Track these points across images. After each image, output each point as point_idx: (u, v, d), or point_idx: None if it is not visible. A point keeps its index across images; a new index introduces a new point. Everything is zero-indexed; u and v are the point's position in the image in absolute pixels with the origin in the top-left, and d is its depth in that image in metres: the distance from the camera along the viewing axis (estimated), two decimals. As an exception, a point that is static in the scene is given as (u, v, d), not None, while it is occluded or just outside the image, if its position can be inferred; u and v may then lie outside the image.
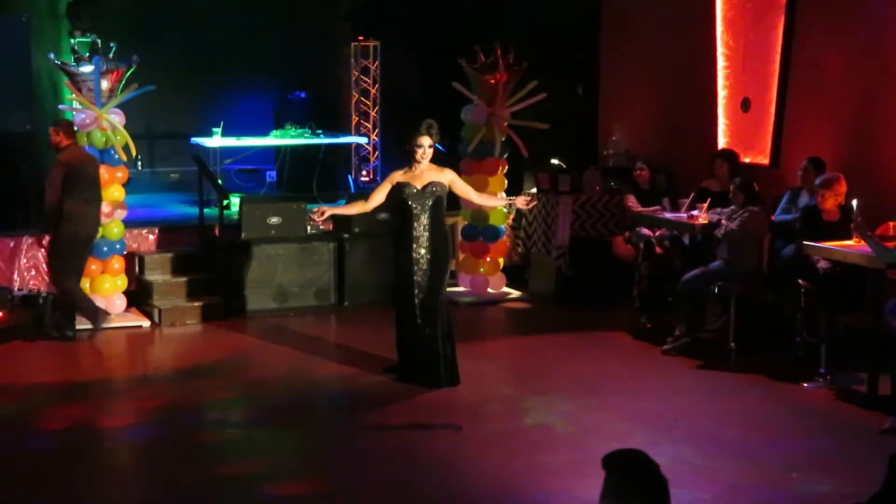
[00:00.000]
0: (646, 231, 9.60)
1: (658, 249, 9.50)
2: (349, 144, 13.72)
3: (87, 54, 9.57)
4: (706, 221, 8.67)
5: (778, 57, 9.72)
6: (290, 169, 12.64)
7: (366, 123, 13.99)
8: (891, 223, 7.82)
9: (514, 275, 11.29)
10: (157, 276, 10.14)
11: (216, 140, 12.00)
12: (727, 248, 8.48)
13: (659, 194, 9.77)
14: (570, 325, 9.65)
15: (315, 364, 8.54)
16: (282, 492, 5.90)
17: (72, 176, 8.91)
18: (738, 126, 10.25)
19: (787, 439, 6.69)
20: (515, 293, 11.00)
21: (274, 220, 10.24)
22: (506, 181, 10.92)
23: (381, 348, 8.37)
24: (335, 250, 10.41)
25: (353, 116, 14.02)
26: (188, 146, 12.34)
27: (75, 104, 9.54)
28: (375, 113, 13.94)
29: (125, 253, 9.81)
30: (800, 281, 8.00)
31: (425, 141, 7.66)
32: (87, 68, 9.39)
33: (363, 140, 13.76)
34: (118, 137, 9.45)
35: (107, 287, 9.57)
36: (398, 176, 7.78)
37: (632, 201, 9.92)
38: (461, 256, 10.98)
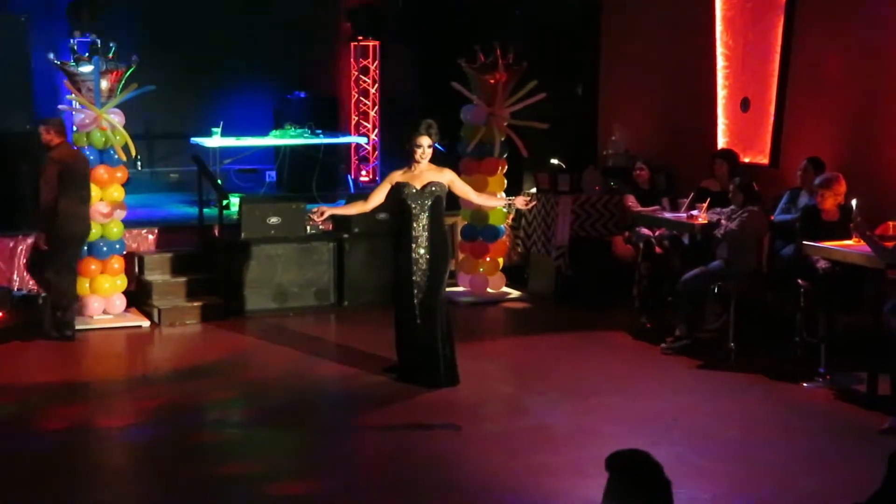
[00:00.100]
0: (645, 231, 9.61)
1: (658, 249, 9.50)
2: (349, 144, 13.73)
3: (87, 54, 9.56)
4: (706, 221, 8.67)
5: (777, 57, 9.72)
6: (290, 169, 12.64)
7: (365, 123, 13.99)
8: (890, 223, 7.83)
9: (513, 275, 11.29)
10: (157, 276, 10.14)
11: (216, 140, 12.00)
12: (727, 247, 8.48)
13: (658, 194, 9.77)
14: (569, 325, 9.65)
15: (315, 364, 8.54)
16: (282, 492, 5.90)
17: (65, 174, 8.93)
18: (738, 126, 10.25)
19: (786, 439, 6.69)
20: (515, 293, 11.00)
21: (273, 220, 10.24)
22: (505, 181, 10.92)
23: (380, 348, 8.37)
24: (335, 250, 10.41)
25: (353, 116, 14.03)
26: (188, 146, 12.34)
27: (75, 104, 9.54)
28: (375, 113, 13.94)
29: (125, 253, 9.81)
30: (799, 281, 8.01)
31: (424, 141, 7.66)
32: (86, 68, 9.39)
33: (362, 140, 13.77)
34: (118, 137, 9.45)
35: (106, 287, 9.57)
36: (397, 176, 7.78)
37: (631, 201, 9.92)
38: (461, 256, 10.98)
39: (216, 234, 10.43)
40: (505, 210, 10.69)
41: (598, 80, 12.13)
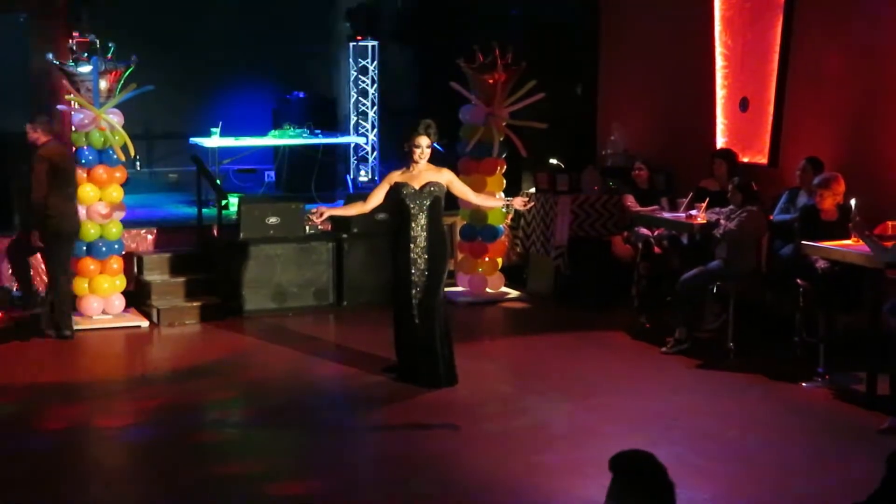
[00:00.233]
0: (644, 231, 9.61)
1: (657, 249, 9.50)
2: (347, 144, 13.74)
3: (86, 54, 9.56)
4: (705, 221, 8.67)
5: (776, 56, 9.72)
6: (289, 169, 12.66)
7: (364, 123, 14.00)
8: (889, 223, 7.82)
9: (512, 275, 11.29)
10: (156, 276, 10.14)
11: (215, 140, 12.01)
12: (726, 247, 8.48)
13: (657, 194, 9.77)
14: (568, 325, 9.64)
15: (314, 364, 8.54)
16: (281, 491, 5.90)
17: (53, 171, 8.95)
18: (737, 126, 10.25)
19: (785, 439, 6.69)
20: (514, 293, 11.00)
21: (272, 220, 10.24)
22: (504, 181, 10.92)
23: (379, 348, 8.37)
24: (334, 250, 10.41)
25: (352, 116, 14.03)
26: (187, 146, 12.35)
27: (74, 104, 9.54)
28: (374, 113, 13.95)
29: (124, 253, 9.81)
30: (798, 280, 8.01)
31: (423, 141, 7.66)
32: (85, 68, 9.39)
33: (361, 140, 13.78)
34: (116, 138, 9.45)
35: (105, 287, 9.57)
36: (396, 176, 7.78)
37: (630, 201, 9.92)
38: (460, 256, 10.98)
39: (215, 234, 10.44)
40: (504, 210, 10.68)
41: (597, 79, 12.13)
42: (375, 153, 13.94)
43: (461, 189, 7.98)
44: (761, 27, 9.91)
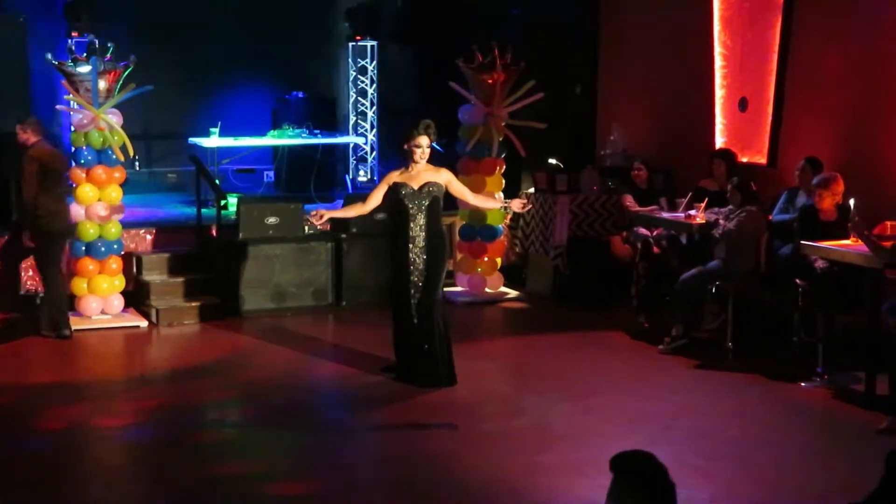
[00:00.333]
0: (643, 231, 9.61)
1: (656, 249, 9.50)
2: (347, 144, 13.74)
3: (85, 54, 9.56)
4: (704, 221, 8.67)
5: (775, 56, 9.72)
6: (288, 169, 12.66)
7: (363, 123, 14.00)
8: (888, 222, 7.82)
9: (511, 274, 11.29)
10: (155, 276, 10.14)
11: (214, 140, 12.00)
12: (725, 247, 8.49)
13: (656, 194, 9.78)
14: (567, 325, 9.65)
15: (313, 364, 8.54)
16: (280, 491, 5.90)
17: (43, 171, 8.96)
18: (736, 126, 10.25)
19: (784, 439, 6.70)
20: (513, 293, 11.00)
21: (271, 220, 10.24)
22: (503, 181, 10.92)
23: (378, 348, 8.37)
24: (333, 250, 10.41)
25: (351, 116, 14.03)
26: (186, 146, 12.35)
27: (73, 104, 9.54)
28: (373, 113, 13.95)
29: (123, 253, 9.80)
30: (797, 280, 8.01)
31: (424, 141, 7.66)
32: (84, 68, 9.39)
33: (361, 140, 13.77)
34: (115, 138, 9.45)
35: (104, 287, 9.57)
36: (395, 176, 7.78)
37: (629, 201, 9.93)
38: (459, 256, 10.98)
39: (214, 234, 10.44)
40: (503, 211, 10.69)
41: (597, 79, 12.13)
42: (374, 153, 13.94)
43: (459, 189, 7.98)
44: (760, 27, 9.91)
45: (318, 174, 12.38)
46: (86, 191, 9.45)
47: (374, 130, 13.94)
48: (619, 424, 6.91)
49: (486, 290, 10.85)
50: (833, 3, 9.31)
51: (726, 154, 9.69)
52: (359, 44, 13.88)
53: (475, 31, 11.47)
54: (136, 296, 10.03)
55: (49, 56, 9.62)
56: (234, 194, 11.22)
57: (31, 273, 9.77)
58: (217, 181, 10.95)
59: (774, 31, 9.73)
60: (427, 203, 7.67)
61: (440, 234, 7.78)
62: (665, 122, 11.16)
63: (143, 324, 9.64)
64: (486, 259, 10.84)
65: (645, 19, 11.36)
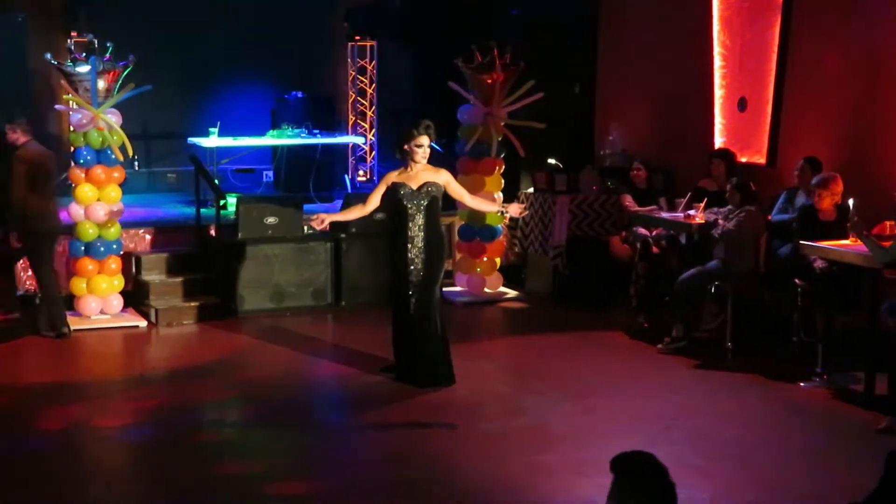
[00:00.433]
0: (642, 231, 9.61)
1: (655, 249, 9.51)
2: (346, 144, 13.73)
3: (84, 54, 9.56)
4: (703, 221, 8.67)
5: (774, 56, 9.72)
6: (287, 169, 12.65)
7: (362, 123, 13.99)
8: (887, 222, 7.81)
9: (510, 274, 11.29)
10: (154, 276, 10.14)
11: (213, 140, 12.00)
12: (724, 247, 8.49)
13: (656, 194, 9.78)
14: (567, 325, 9.65)
15: (312, 364, 8.54)
16: (280, 491, 5.90)
17: (32, 171, 8.96)
18: (735, 125, 10.26)
19: (783, 439, 6.70)
20: (512, 293, 11.00)
21: (271, 220, 10.24)
22: (503, 181, 10.92)
23: (377, 348, 8.37)
24: (332, 250, 10.41)
25: (350, 116, 14.03)
26: (185, 146, 12.34)
27: (72, 104, 9.53)
28: (372, 113, 13.94)
29: (122, 253, 9.80)
30: (796, 280, 8.02)
31: (425, 140, 7.67)
32: (83, 68, 9.39)
33: (360, 140, 13.77)
34: (115, 137, 9.45)
35: (103, 287, 9.57)
36: (393, 176, 7.78)
37: (628, 201, 9.93)
38: (458, 256, 10.98)
39: (213, 234, 10.43)
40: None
41: (596, 79, 12.14)
42: (374, 153, 13.94)
43: (457, 191, 7.96)
44: (760, 27, 9.92)
45: (317, 174, 12.38)
46: (85, 191, 9.45)
47: (374, 130, 13.93)
48: (619, 424, 6.92)
49: (486, 290, 10.85)
50: (832, 2, 9.31)
51: (725, 154, 9.69)
52: (358, 44, 13.87)
53: (474, 31, 11.47)
54: (135, 296, 10.03)
55: (48, 56, 9.62)
56: (234, 194, 11.22)
57: (29, 273, 9.77)
58: (216, 181, 10.96)
59: (774, 31, 9.74)
60: (426, 203, 7.67)
61: (439, 234, 7.78)
62: (664, 122, 11.16)
63: (143, 324, 9.64)
64: (485, 259, 10.84)
65: (644, 19, 11.36)
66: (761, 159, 9.90)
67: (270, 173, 13.14)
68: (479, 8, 12.31)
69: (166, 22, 12.85)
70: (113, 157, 9.49)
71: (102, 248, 9.55)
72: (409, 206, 7.66)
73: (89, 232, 9.49)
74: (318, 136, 12.62)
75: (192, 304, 9.87)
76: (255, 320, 9.85)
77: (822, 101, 9.30)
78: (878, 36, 8.76)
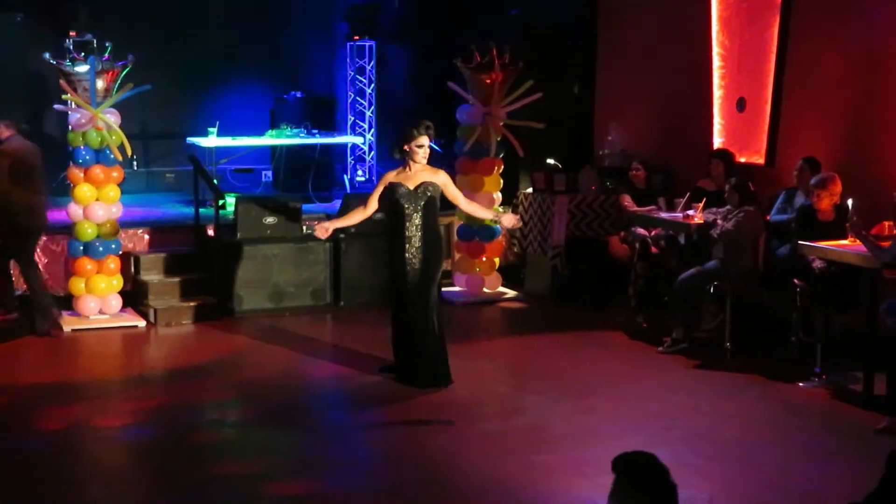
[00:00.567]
0: (641, 231, 9.62)
1: (654, 249, 9.51)
2: (345, 144, 13.74)
3: (83, 54, 9.55)
4: (702, 221, 8.68)
5: (773, 56, 9.72)
6: (286, 169, 12.66)
7: (361, 123, 13.99)
8: (886, 223, 7.82)
9: (509, 274, 11.29)
10: (153, 276, 10.13)
11: (212, 140, 12.00)
12: (723, 247, 8.49)
13: (655, 194, 9.78)
14: (566, 325, 9.65)
15: (311, 364, 8.54)
16: (280, 491, 5.90)
17: (16, 166, 8.95)
18: (734, 126, 10.26)
19: (783, 439, 6.71)
20: (511, 293, 11.00)
21: (269, 219, 10.24)
22: (501, 181, 10.92)
23: (377, 348, 8.38)
24: (331, 250, 10.40)
25: (349, 116, 14.03)
26: (184, 146, 12.34)
27: (71, 104, 9.53)
28: (371, 113, 13.94)
29: (120, 253, 9.80)
30: (795, 281, 8.02)
31: (425, 140, 7.68)
32: (82, 68, 9.39)
33: (359, 140, 13.77)
34: (114, 137, 9.44)
35: (102, 287, 9.56)
36: (391, 176, 7.79)
37: (627, 201, 9.93)
38: (457, 256, 10.98)
39: (212, 234, 10.43)
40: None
41: (595, 79, 12.13)
42: (373, 153, 13.94)
43: (454, 193, 7.94)
44: (758, 27, 9.92)
45: (316, 174, 12.39)
46: (84, 190, 9.45)
47: (373, 130, 13.93)
48: (619, 424, 6.92)
49: (485, 290, 10.85)
50: (832, 3, 9.32)
51: (724, 154, 9.69)
52: (357, 44, 13.87)
53: (474, 31, 11.47)
54: (134, 296, 10.03)
55: (47, 55, 9.62)
56: (233, 194, 11.22)
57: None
58: (215, 181, 10.95)
59: (773, 31, 9.74)
60: (423, 203, 7.68)
61: (437, 234, 7.78)
62: (663, 122, 11.16)
63: (142, 324, 9.64)
64: (484, 259, 10.84)
65: (643, 19, 11.37)
66: (760, 159, 9.90)
67: (269, 173, 13.15)
68: (478, 8, 12.30)
69: (165, 22, 12.85)
70: (112, 156, 9.48)
71: (101, 248, 9.55)
72: (407, 205, 7.66)
73: (88, 232, 9.49)
74: (317, 136, 12.63)
75: (191, 303, 9.87)
76: (253, 320, 9.84)
77: (821, 101, 9.30)
78: (878, 36, 8.77)
